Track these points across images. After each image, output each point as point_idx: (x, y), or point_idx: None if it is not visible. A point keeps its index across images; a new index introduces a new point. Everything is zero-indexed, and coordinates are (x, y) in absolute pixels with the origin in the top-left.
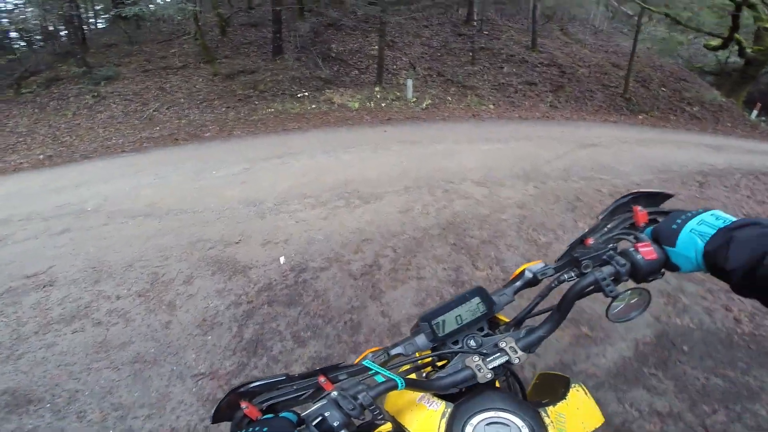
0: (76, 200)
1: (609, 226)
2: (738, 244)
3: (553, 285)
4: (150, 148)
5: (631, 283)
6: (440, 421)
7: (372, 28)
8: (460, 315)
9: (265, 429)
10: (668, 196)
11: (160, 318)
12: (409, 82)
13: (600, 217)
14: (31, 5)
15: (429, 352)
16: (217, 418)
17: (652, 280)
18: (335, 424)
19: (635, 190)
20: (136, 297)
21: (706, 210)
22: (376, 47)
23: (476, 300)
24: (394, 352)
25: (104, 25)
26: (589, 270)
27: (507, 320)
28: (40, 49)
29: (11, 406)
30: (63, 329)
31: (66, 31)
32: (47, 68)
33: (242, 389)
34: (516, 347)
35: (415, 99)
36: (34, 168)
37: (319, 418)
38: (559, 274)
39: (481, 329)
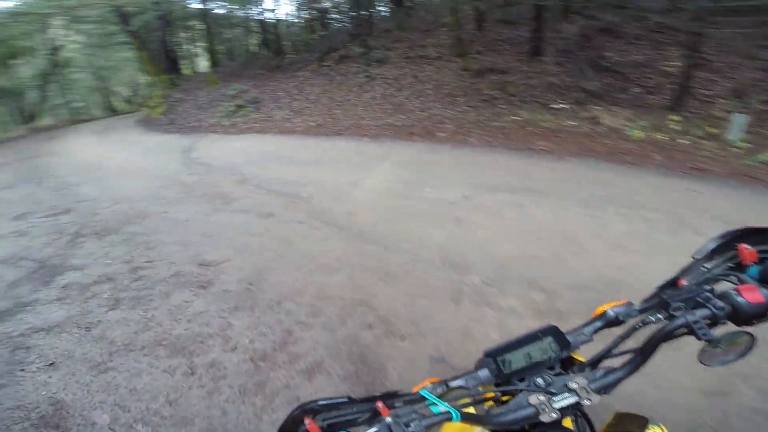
0: (302, 180)
1: (707, 266)
2: None
3: (637, 326)
4: (386, 138)
5: (730, 326)
6: None
7: (668, 39)
8: (529, 353)
9: None
10: None
11: (244, 413)
12: (738, 118)
13: (696, 257)
14: None
15: (491, 387)
16: None
17: (757, 324)
18: None
19: (741, 226)
20: (248, 360)
21: None
22: (675, 63)
23: (549, 339)
24: (454, 384)
25: (387, 13)
26: (680, 312)
27: (582, 360)
28: (344, 29)
29: (42, 422)
30: (161, 361)
31: (357, 14)
32: (343, 46)
33: (309, 406)
34: (588, 389)
35: (745, 145)
36: (303, 133)
37: None
38: (644, 315)
39: (552, 368)
